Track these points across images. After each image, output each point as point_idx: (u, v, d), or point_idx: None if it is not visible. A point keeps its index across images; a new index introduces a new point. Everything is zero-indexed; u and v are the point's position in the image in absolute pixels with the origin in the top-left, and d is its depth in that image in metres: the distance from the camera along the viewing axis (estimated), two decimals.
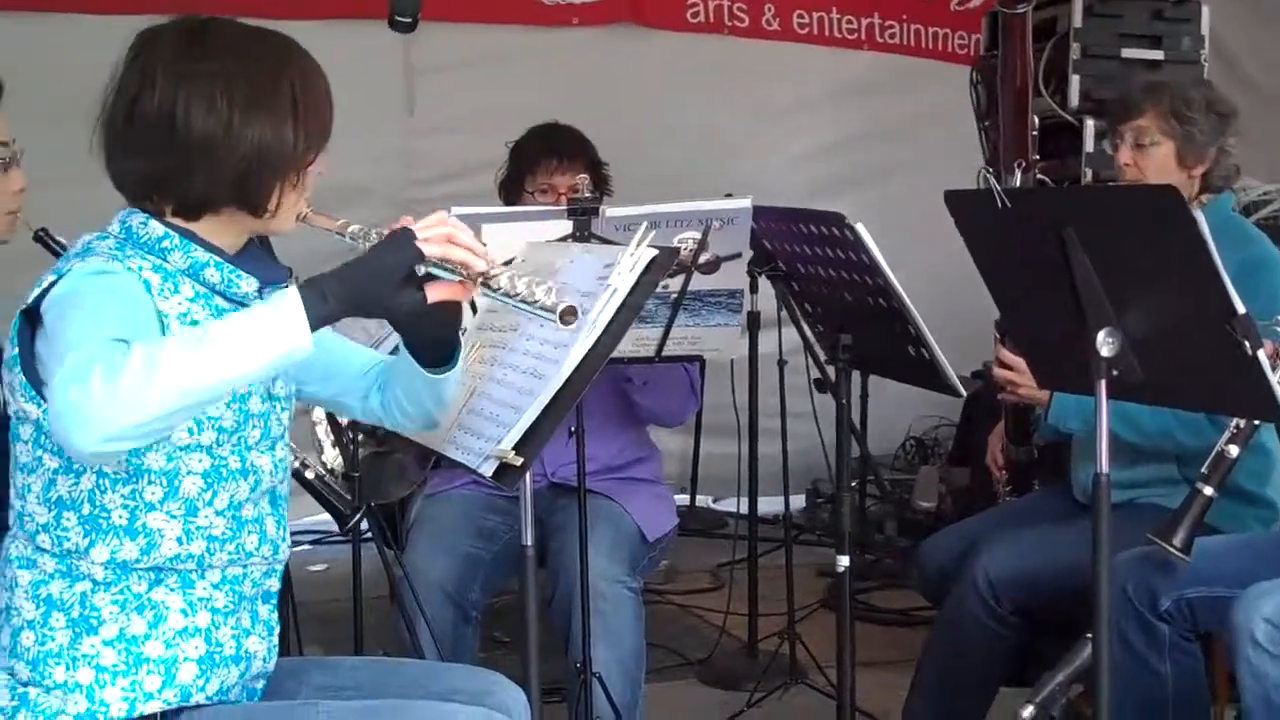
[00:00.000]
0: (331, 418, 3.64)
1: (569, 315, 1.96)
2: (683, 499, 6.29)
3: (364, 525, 3.45)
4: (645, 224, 2.42)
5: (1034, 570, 3.37)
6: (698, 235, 3.26)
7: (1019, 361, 3.41)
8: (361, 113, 5.61)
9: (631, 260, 2.34)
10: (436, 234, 2.00)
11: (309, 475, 2.96)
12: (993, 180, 3.17)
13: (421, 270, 2.01)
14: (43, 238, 2.90)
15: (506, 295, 2.01)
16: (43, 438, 2.09)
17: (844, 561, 3.31)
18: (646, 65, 6.24)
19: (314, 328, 1.88)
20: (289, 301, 1.88)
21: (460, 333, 2.28)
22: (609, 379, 3.73)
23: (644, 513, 3.74)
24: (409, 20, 2.26)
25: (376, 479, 3.73)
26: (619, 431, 3.83)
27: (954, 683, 3.52)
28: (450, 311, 2.15)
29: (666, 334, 3.39)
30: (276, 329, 1.86)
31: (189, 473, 2.10)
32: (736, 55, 6.42)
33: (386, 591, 3.49)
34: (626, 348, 3.41)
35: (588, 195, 3.21)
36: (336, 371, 2.40)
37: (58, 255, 2.89)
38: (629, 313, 2.32)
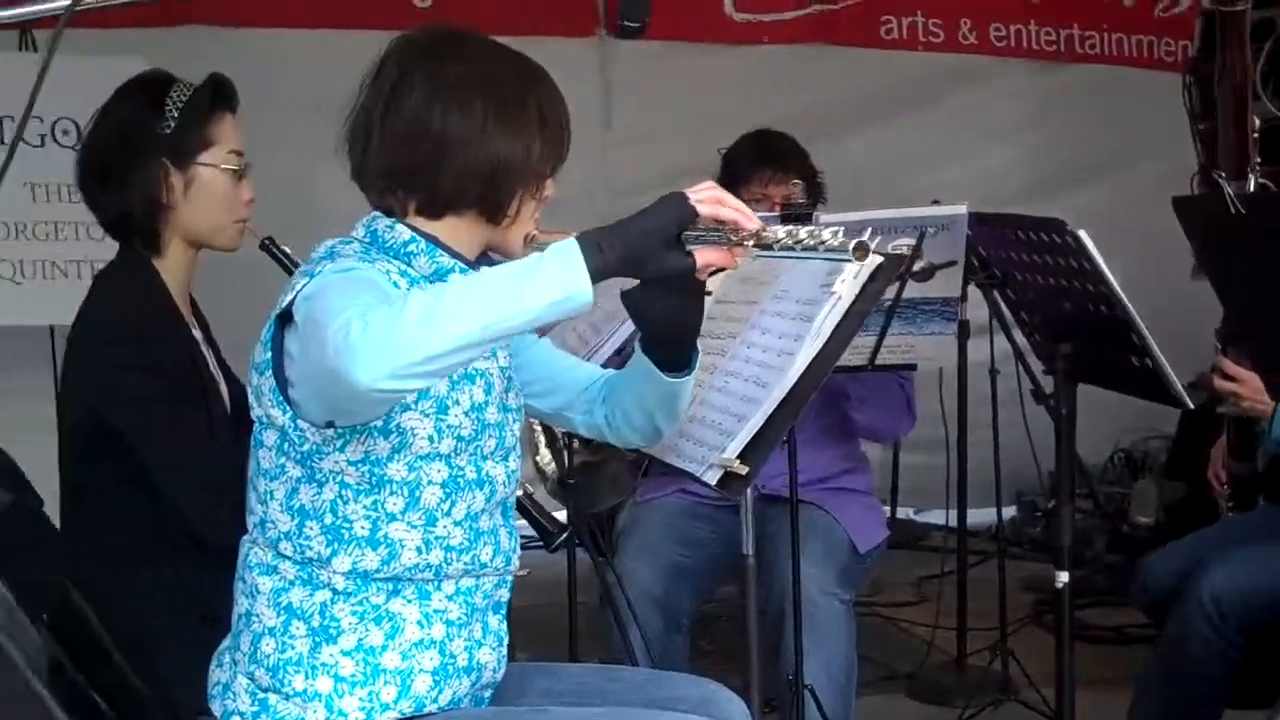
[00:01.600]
0: (547, 426, 3.66)
1: (861, 250, 1.93)
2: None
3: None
4: (870, 229, 2.38)
5: (1262, 589, 3.25)
6: (912, 242, 3.22)
7: (1242, 372, 3.30)
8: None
9: (856, 268, 2.31)
10: (707, 195, 1.99)
11: (518, 494, 2.97)
12: (1226, 186, 3.07)
13: (690, 244, 1.99)
14: (268, 246, 2.95)
15: (788, 248, 1.97)
16: (286, 445, 2.11)
17: (1063, 577, 3.23)
18: (838, 81, 6.23)
19: (593, 279, 1.87)
20: (567, 249, 1.88)
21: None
22: (823, 391, 3.69)
23: (855, 524, 3.70)
24: (638, 24, 2.26)
25: (590, 488, 3.73)
26: (831, 443, 3.79)
27: (1178, 704, 3.41)
28: (696, 302, 2.12)
29: (880, 341, 3.35)
30: (556, 274, 1.86)
31: (429, 483, 2.12)
32: (932, 70, 6.40)
33: (586, 597, 3.50)
34: (840, 356, 3.38)
35: (802, 202, 3.18)
36: (560, 385, 2.41)
37: (283, 264, 2.95)
38: (854, 320, 2.30)
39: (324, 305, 1.92)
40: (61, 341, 4.85)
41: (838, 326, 2.30)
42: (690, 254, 1.99)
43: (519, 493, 2.96)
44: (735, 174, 3.85)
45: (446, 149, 2.12)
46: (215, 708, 2.18)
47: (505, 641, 2.29)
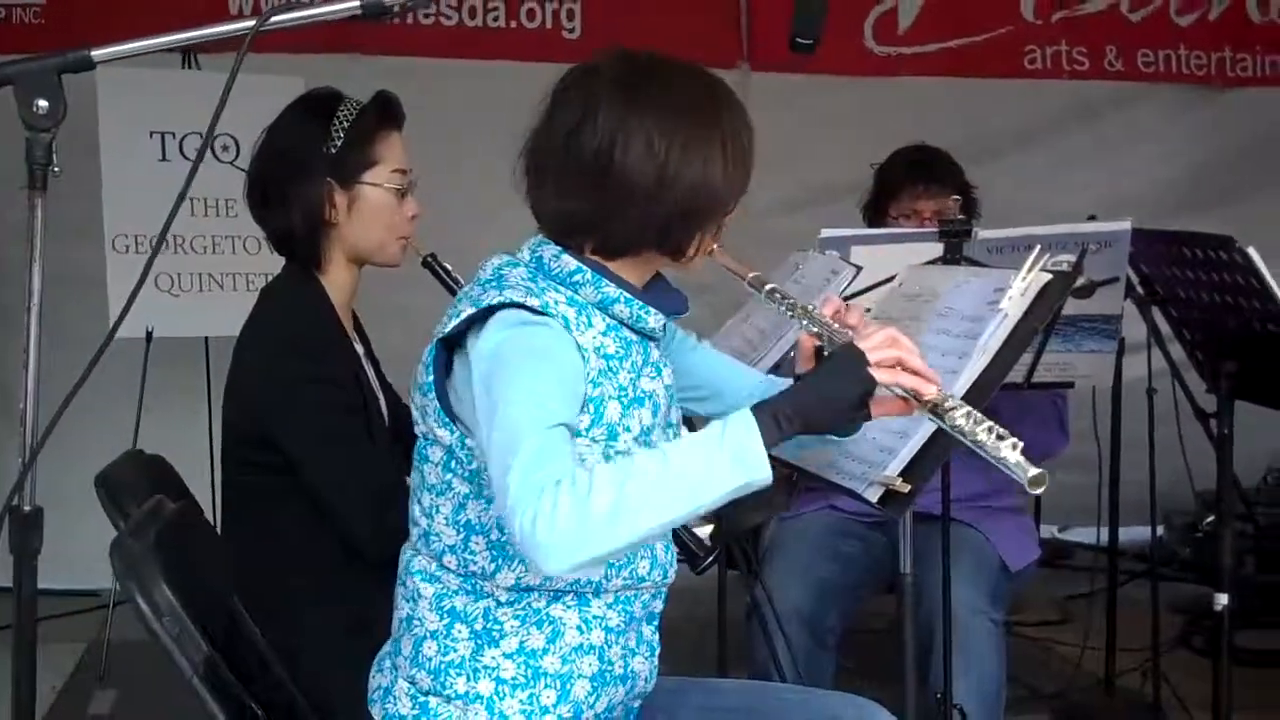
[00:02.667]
0: None
1: (1037, 483, 1.92)
2: None
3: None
4: (1039, 246, 2.36)
5: None
6: (1072, 258, 3.17)
7: None
8: None
9: (1023, 285, 2.28)
10: (887, 357, 1.99)
11: None
12: None
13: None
14: (430, 263, 2.98)
15: (959, 433, 1.97)
16: (453, 462, 2.12)
17: (1222, 599, 3.18)
18: (982, 112, 6.21)
19: (768, 453, 1.90)
20: (749, 434, 1.89)
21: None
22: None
23: (1007, 542, 3.66)
24: (810, 42, 2.25)
25: (740, 504, 3.72)
26: (983, 461, 3.73)
27: None
28: (861, 420, 2.13)
29: (1038, 359, 3.30)
30: (735, 460, 1.88)
31: None
32: (1078, 99, 6.36)
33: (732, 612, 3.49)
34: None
35: (960, 219, 3.15)
36: (723, 391, 2.39)
37: (444, 281, 2.98)
38: (1022, 338, 2.27)
39: (507, 396, 1.92)
40: (216, 353, 4.98)
41: (1005, 344, 2.27)
42: (866, 407, 2.03)
43: None
44: (888, 189, 3.83)
45: (628, 196, 2.07)
46: (376, 711, 2.20)
47: (657, 652, 2.29)
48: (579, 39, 5.75)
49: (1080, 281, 3.20)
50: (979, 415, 1.96)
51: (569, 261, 2.12)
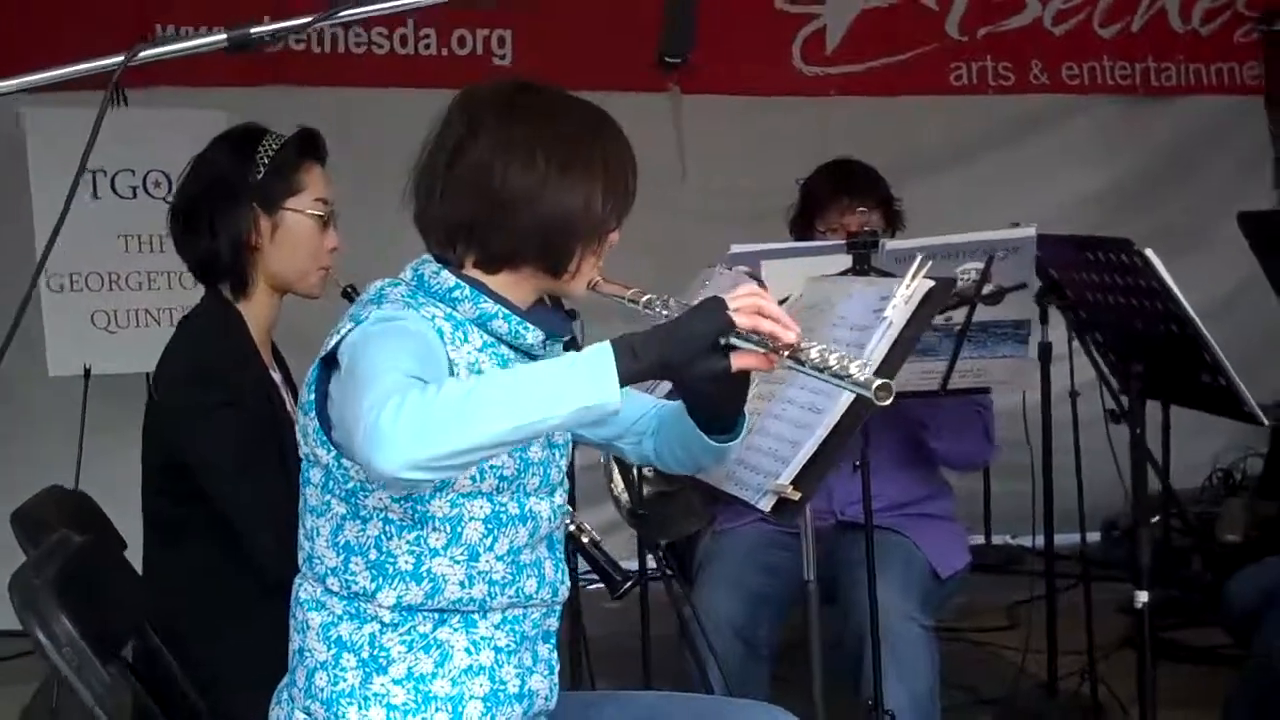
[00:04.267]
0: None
1: (883, 392, 1.90)
2: (977, 537, 6.21)
3: (651, 564, 3.51)
4: (920, 256, 2.39)
5: None
6: (980, 266, 3.22)
7: None
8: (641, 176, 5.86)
9: (907, 293, 2.32)
10: (747, 304, 1.99)
11: (584, 540, 3.01)
12: None
13: (726, 341, 2.00)
14: (350, 294, 3.02)
15: (816, 369, 1.96)
16: (331, 483, 2.16)
17: (1142, 597, 3.22)
18: (909, 130, 6.31)
19: (623, 383, 1.89)
20: (601, 354, 1.90)
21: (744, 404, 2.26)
22: (899, 418, 3.71)
23: (936, 549, 3.69)
24: (679, 60, 2.28)
25: (665, 517, 3.75)
26: (910, 468, 3.78)
27: None
28: (740, 385, 2.14)
29: (951, 367, 3.35)
30: (587, 379, 1.88)
31: (471, 519, 2.15)
32: (1005, 114, 6.49)
33: (677, 628, 3.52)
34: (912, 381, 3.39)
35: (867, 232, 3.20)
36: (613, 418, 2.42)
37: None
38: (904, 346, 2.31)
39: (365, 363, 1.95)
40: None
41: (889, 352, 2.30)
42: (727, 356, 2.00)
43: (585, 539, 3.00)
44: (812, 204, 3.86)
45: (505, 207, 2.13)
46: None
47: (556, 670, 2.31)
48: (510, 64, 5.85)
49: (990, 288, 3.26)
50: (830, 348, 1.96)
51: (448, 278, 2.17)
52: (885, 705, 3.31)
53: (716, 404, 2.19)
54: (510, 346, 2.20)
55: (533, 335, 2.20)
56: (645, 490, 3.56)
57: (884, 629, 3.34)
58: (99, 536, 2.66)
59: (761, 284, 3.09)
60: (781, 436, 2.39)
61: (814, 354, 1.96)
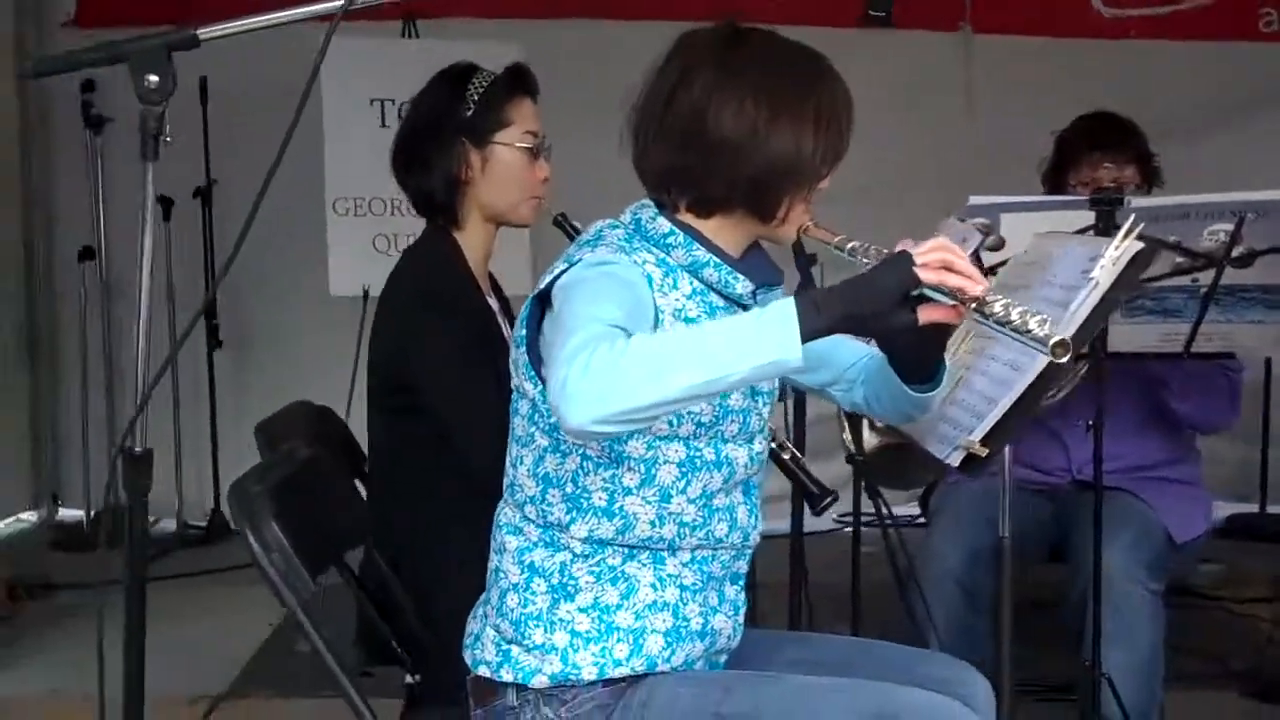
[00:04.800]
0: None
1: (1060, 349, 1.88)
2: (1250, 506, 6.04)
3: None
4: (1133, 216, 2.35)
5: None
6: (1229, 228, 3.12)
7: None
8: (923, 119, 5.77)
9: (1115, 254, 2.28)
10: (934, 259, 1.97)
11: (785, 456, 3.04)
12: None
13: (915, 292, 1.99)
14: (560, 222, 3.12)
15: (999, 323, 1.95)
16: (537, 415, 2.23)
17: None
18: (1208, 77, 6.07)
19: (805, 339, 1.90)
20: (783, 310, 1.91)
21: (948, 353, 2.25)
22: (1142, 380, 3.64)
23: (1173, 514, 3.61)
24: (883, 14, 2.28)
25: (898, 470, 3.77)
26: (1154, 432, 3.70)
27: None
28: (938, 335, 2.12)
29: (1195, 329, 3.26)
30: (768, 336, 1.89)
31: (665, 462, 2.20)
32: None
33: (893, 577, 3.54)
34: (1154, 343, 3.32)
35: (1109, 188, 3.13)
36: (827, 361, 2.42)
37: (573, 239, 3.10)
38: (1107, 307, 2.27)
39: (570, 308, 2.01)
40: None
41: (1091, 313, 2.27)
42: (913, 310, 1.99)
43: (786, 455, 3.03)
44: (1066, 157, 3.78)
45: (718, 152, 2.17)
46: (467, 656, 2.32)
47: (742, 610, 2.35)
48: None
49: (1239, 250, 3.16)
50: (1015, 303, 1.94)
51: (663, 224, 2.22)
52: (1105, 668, 3.28)
53: (914, 355, 2.20)
54: (719, 294, 2.24)
55: (742, 286, 2.23)
56: (878, 441, 3.59)
57: (1108, 591, 3.30)
58: (330, 451, 2.81)
59: (986, 236, 3.10)
60: (983, 393, 2.38)
61: (998, 308, 1.95)
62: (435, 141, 2.93)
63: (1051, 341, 1.88)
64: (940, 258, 1.97)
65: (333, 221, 5.22)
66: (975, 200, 3.17)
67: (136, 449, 2.08)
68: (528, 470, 2.26)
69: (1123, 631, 3.35)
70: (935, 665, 2.42)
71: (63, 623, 4.93)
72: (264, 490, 2.33)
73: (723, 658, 2.36)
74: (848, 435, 3.66)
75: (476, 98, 2.93)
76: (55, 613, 5.08)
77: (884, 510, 3.47)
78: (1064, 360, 1.89)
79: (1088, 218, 3.12)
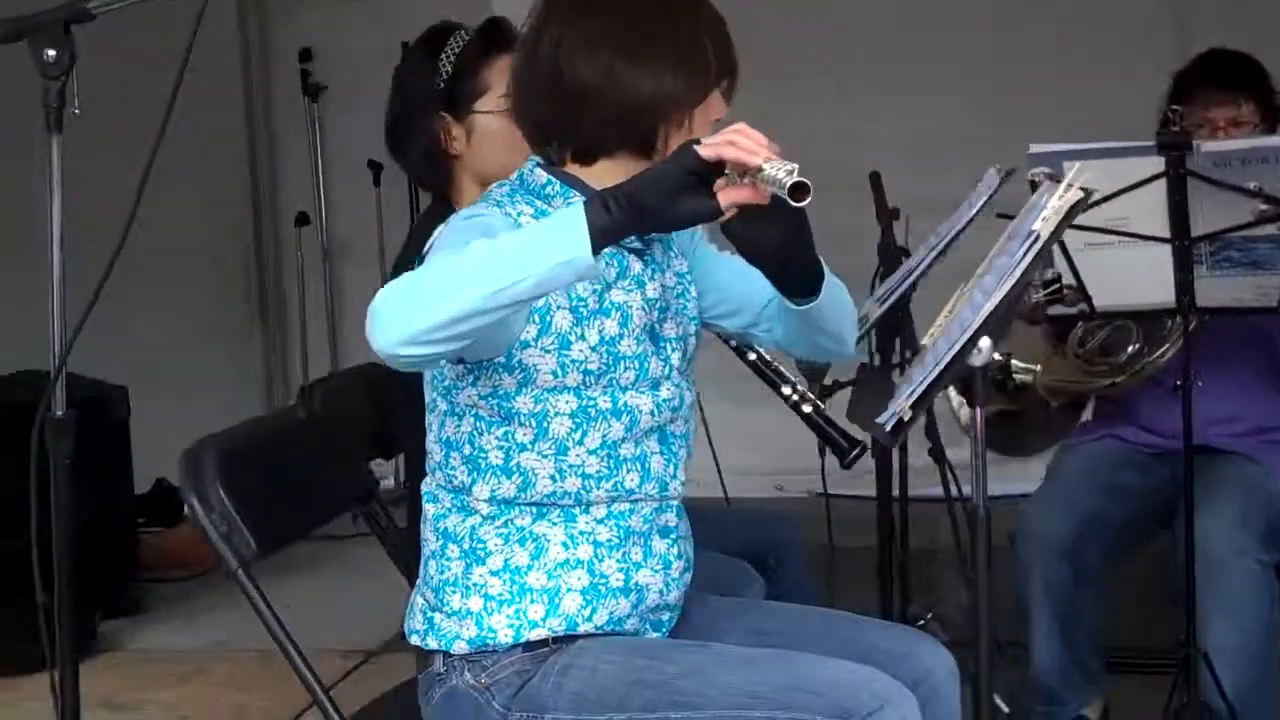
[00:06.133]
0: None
1: (798, 192, 1.86)
2: None
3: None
4: (1079, 165, 2.19)
5: None
6: None
7: None
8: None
9: (1059, 203, 2.14)
10: (720, 138, 1.94)
11: (806, 409, 2.93)
12: None
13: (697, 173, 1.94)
14: None
15: (769, 183, 1.90)
16: (435, 380, 2.25)
17: None
18: None
19: (597, 238, 1.88)
20: (572, 213, 1.91)
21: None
22: (1262, 337, 3.39)
23: None
24: None
25: (1015, 435, 3.63)
26: (1270, 390, 3.45)
27: None
28: (791, 232, 2.07)
29: None
30: (556, 239, 1.89)
31: (557, 414, 2.18)
32: None
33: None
34: (1246, 297, 3.09)
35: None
36: (742, 305, 2.36)
37: None
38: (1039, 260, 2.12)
39: (432, 256, 2.05)
40: None
41: (1029, 265, 2.13)
42: (712, 197, 1.93)
43: (807, 408, 2.93)
44: (1180, 95, 3.54)
45: (579, 101, 2.17)
46: (405, 627, 2.33)
47: (676, 564, 2.30)
48: None
49: None
50: (789, 165, 1.89)
51: (540, 175, 2.24)
52: (1205, 646, 3.09)
53: (778, 263, 2.14)
54: None
55: None
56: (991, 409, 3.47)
57: (1211, 562, 3.12)
58: (346, 417, 2.82)
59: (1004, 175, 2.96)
60: (929, 359, 2.26)
61: (769, 170, 1.90)
62: (413, 116, 2.85)
63: (788, 184, 1.86)
64: (725, 136, 1.94)
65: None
66: (1035, 149, 3.01)
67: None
68: (434, 437, 2.27)
69: (1226, 606, 3.15)
70: (888, 638, 2.33)
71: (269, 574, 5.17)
72: (215, 452, 2.38)
73: (664, 615, 2.31)
74: (954, 401, 3.54)
75: (449, 67, 2.83)
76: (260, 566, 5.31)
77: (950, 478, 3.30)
78: (803, 204, 1.87)
79: (1157, 164, 2.94)
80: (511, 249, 1.91)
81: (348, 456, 2.77)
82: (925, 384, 2.17)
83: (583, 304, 2.17)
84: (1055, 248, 3.06)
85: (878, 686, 2.11)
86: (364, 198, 6.05)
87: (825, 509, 3.80)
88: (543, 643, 2.21)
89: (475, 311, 1.88)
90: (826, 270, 2.22)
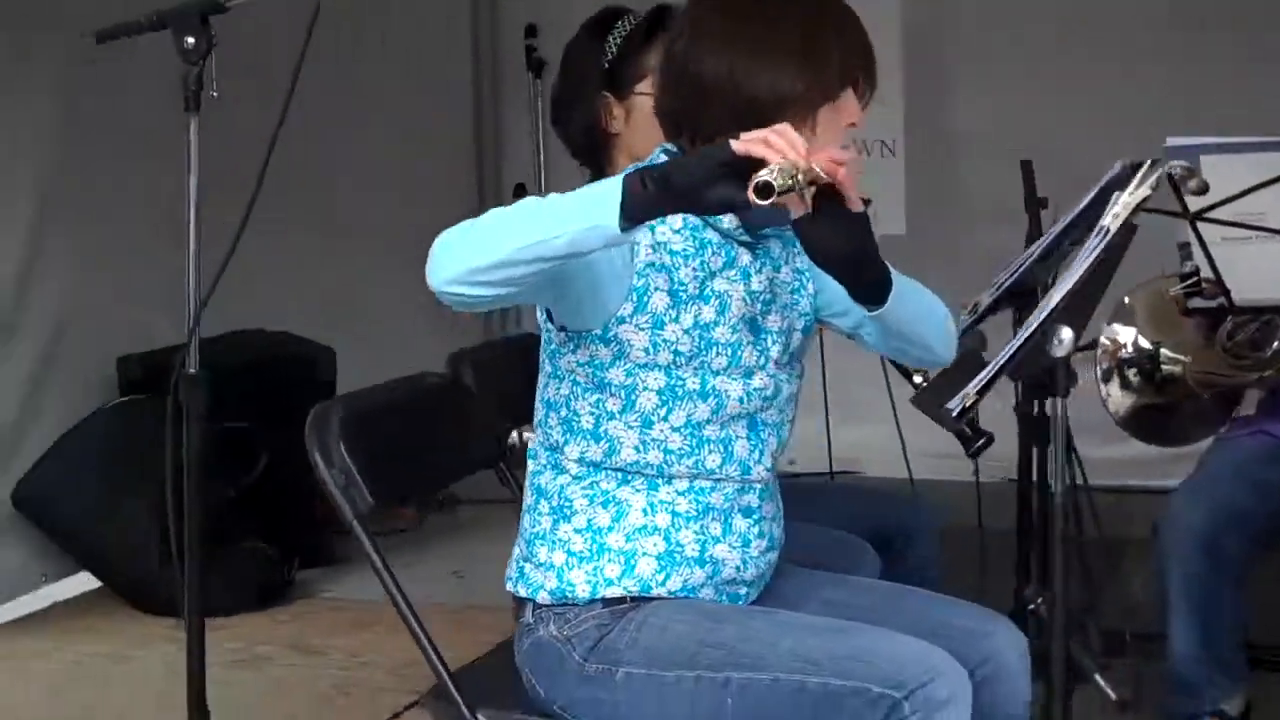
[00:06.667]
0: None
1: (760, 191, 1.94)
2: None
3: None
4: (1150, 162, 2.22)
5: None
6: None
7: None
8: None
9: (1130, 199, 2.18)
10: (755, 134, 2.01)
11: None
12: None
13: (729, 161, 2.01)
14: None
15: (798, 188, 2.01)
16: (545, 345, 2.40)
17: None
18: None
19: (629, 210, 1.98)
20: (611, 182, 2.01)
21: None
22: None
23: None
24: None
25: (1169, 428, 3.64)
26: None
27: None
28: (853, 236, 2.14)
29: None
30: (592, 204, 2.00)
31: (645, 389, 2.30)
32: None
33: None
34: None
35: None
36: (849, 306, 2.41)
37: None
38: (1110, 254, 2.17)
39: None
40: None
41: (1102, 259, 2.17)
42: (744, 187, 1.99)
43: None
44: None
45: (702, 94, 2.28)
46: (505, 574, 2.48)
47: (755, 544, 2.39)
48: None
49: None
50: (799, 169, 1.98)
51: (660, 159, 2.35)
52: None
53: (841, 265, 2.21)
54: (714, 229, 2.32)
55: (728, 221, 2.32)
56: (1133, 401, 3.49)
57: None
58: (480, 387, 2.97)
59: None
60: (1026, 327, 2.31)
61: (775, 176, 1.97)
62: (577, 94, 3.01)
63: (755, 183, 1.94)
64: (761, 134, 2.02)
65: None
66: (1173, 141, 3.01)
67: None
68: (540, 396, 2.42)
69: None
70: (963, 616, 2.40)
71: (459, 533, 5.44)
72: (344, 410, 2.55)
73: (743, 590, 2.42)
74: (1105, 390, 3.57)
75: (615, 48, 2.97)
76: (455, 525, 5.58)
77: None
78: (765, 203, 1.94)
79: None
80: (553, 208, 2.04)
81: (483, 421, 2.92)
82: (993, 372, 2.23)
83: (683, 288, 2.29)
84: (1193, 241, 3.08)
85: (932, 660, 2.18)
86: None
87: (976, 492, 3.87)
88: (620, 599, 2.34)
89: (513, 260, 2.02)
90: (909, 280, 2.31)
